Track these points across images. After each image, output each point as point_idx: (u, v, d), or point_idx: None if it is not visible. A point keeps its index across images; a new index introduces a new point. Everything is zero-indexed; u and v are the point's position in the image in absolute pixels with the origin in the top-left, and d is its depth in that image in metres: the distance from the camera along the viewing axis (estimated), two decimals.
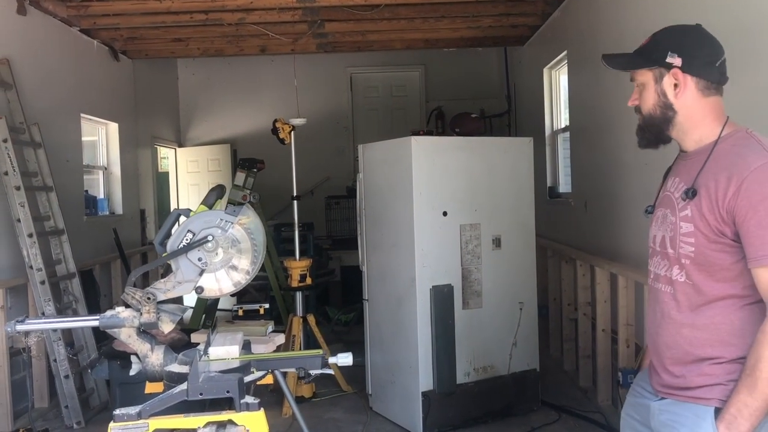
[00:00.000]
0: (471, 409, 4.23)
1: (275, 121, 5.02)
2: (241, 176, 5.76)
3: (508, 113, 8.22)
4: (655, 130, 1.76)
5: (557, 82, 6.47)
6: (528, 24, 6.53)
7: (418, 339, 4.06)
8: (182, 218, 2.30)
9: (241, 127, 9.09)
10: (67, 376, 4.46)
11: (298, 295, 5.00)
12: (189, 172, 9.03)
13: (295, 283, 4.94)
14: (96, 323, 2.10)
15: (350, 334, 6.75)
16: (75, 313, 4.82)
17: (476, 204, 4.23)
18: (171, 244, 2.20)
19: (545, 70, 6.50)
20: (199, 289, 2.22)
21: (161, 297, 2.16)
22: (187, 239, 2.19)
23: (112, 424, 1.90)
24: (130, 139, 7.26)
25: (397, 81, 9.23)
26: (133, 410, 1.92)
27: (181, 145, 9.11)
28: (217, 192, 2.33)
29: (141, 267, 2.25)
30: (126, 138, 7.09)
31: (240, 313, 3.44)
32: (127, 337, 2.12)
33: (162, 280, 2.20)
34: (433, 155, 4.11)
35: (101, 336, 5.06)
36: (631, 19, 4.14)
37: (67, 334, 4.79)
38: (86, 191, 6.23)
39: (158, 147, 8.63)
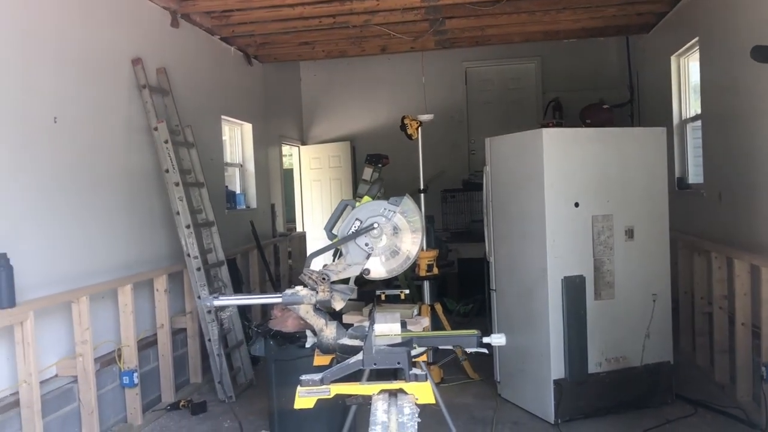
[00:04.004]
0: (602, 399, 4.25)
1: (403, 117, 5.23)
2: (368, 171, 6.05)
3: (630, 103, 8.02)
4: None
5: (686, 70, 6.25)
6: (654, 11, 6.36)
7: (550, 328, 4.14)
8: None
9: (359, 125, 9.45)
10: (219, 355, 4.91)
11: (426, 284, 5.20)
12: (312, 169, 9.51)
13: (422, 273, 5.13)
14: (279, 300, 2.38)
15: (469, 325, 6.88)
16: None
17: (608, 195, 4.24)
18: (341, 231, 2.44)
19: (673, 58, 6.30)
20: (366, 271, 2.45)
21: (334, 277, 2.40)
22: (355, 226, 2.43)
23: (299, 388, 2.16)
24: (262, 138, 7.77)
25: (512, 74, 9.24)
26: (317, 377, 2.17)
27: (304, 143, 9.60)
28: (379, 184, 2.56)
29: (317, 251, 2.51)
30: (258, 137, 7.61)
31: (382, 297, 3.68)
32: (305, 313, 2.39)
33: (334, 263, 2.45)
34: (564, 147, 4.17)
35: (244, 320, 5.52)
36: None
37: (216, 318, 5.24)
38: (226, 187, 6.75)
39: (284, 145, 9.13)
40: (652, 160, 4.38)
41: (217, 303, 2.37)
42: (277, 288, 6.97)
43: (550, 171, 4.11)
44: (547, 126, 4.38)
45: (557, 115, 8.52)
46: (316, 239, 9.23)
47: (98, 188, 4.45)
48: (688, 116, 6.25)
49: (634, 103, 7.96)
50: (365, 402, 2.20)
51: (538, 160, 4.13)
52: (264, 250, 6.82)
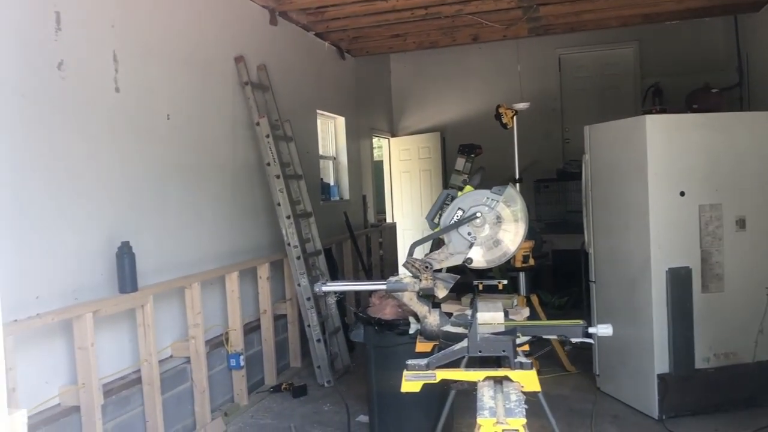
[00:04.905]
0: (710, 396, 4.08)
1: (498, 106, 5.19)
2: (461, 161, 6.07)
3: (739, 86, 7.56)
4: None
5: None
6: None
7: (654, 321, 4.01)
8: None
9: (449, 115, 9.42)
10: (319, 340, 5.09)
11: (521, 276, 5.15)
12: (401, 160, 9.58)
13: (518, 264, 5.08)
14: (384, 287, 2.45)
15: (566, 318, 6.72)
16: None
17: (717, 183, 4.05)
18: (444, 220, 2.48)
19: None
20: (468, 261, 2.47)
21: (436, 266, 2.45)
22: (457, 215, 2.46)
23: (406, 372, 2.23)
24: (353, 130, 7.92)
25: (608, 59, 8.91)
26: (422, 362, 2.23)
27: (394, 135, 9.69)
28: (480, 173, 2.57)
29: (418, 240, 2.56)
30: (350, 130, 7.77)
31: (480, 287, 3.69)
32: (409, 300, 2.44)
33: (437, 251, 2.49)
34: (669, 133, 4.01)
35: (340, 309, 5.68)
36: None
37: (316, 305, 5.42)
38: (321, 179, 6.94)
39: (374, 137, 9.26)
40: (767, 146, 4.14)
41: (325, 288, 2.47)
42: (369, 277, 7.11)
43: (654, 159, 3.97)
44: (650, 113, 4.22)
45: (657, 101, 8.15)
46: (406, 230, 9.32)
47: (206, 180, 4.70)
48: None
49: (743, 86, 7.50)
50: (470, 388, 2.23)
51: (641, 147, 4.00)
52: (357, 240, 6.97)
